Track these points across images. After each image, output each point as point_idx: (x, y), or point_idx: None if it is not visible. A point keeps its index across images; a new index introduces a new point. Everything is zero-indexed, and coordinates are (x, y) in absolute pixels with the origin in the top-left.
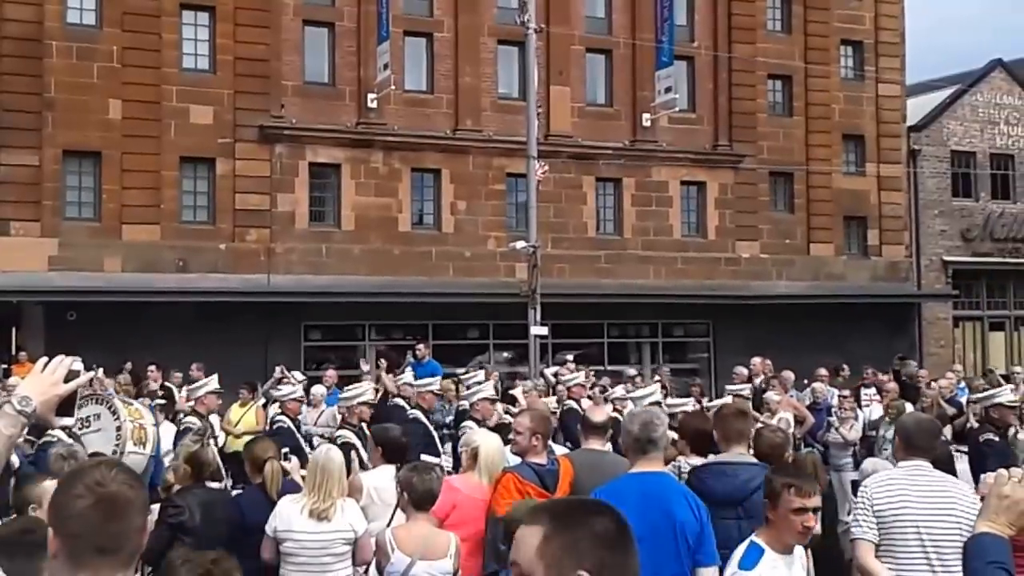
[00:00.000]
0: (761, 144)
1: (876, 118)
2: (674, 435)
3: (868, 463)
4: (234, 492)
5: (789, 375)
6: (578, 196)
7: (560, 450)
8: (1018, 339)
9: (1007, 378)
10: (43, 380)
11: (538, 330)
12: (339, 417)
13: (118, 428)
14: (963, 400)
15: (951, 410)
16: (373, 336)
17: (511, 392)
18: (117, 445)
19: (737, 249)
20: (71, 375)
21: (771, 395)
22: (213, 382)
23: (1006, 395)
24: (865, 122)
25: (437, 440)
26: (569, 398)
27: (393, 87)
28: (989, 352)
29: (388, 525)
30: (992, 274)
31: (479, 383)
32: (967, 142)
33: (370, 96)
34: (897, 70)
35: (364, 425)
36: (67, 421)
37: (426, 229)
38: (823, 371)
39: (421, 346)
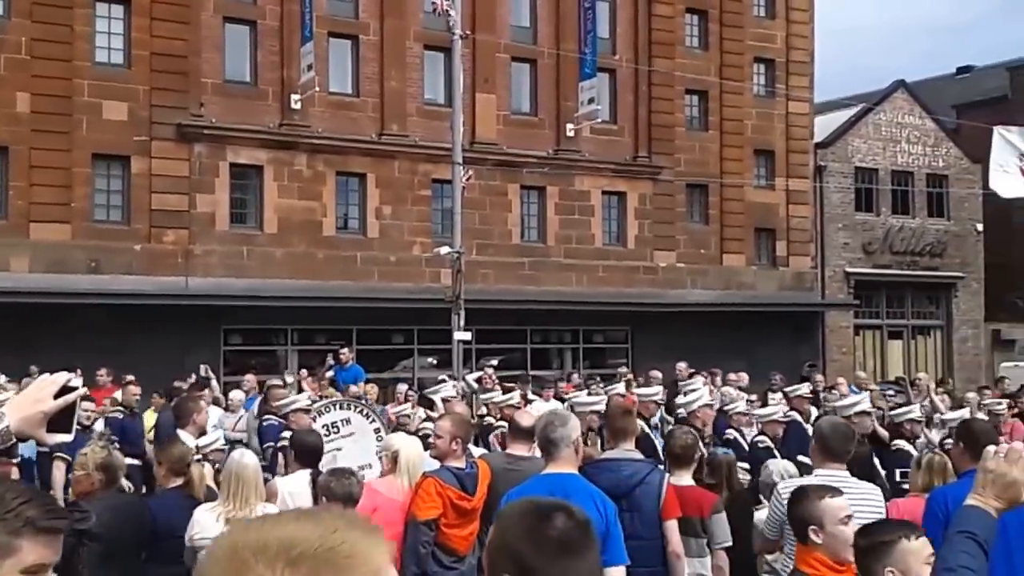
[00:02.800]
0: (678, 156)
1: (786, 134)
2: None
3: (773, 464)
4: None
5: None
6: (503, 203)
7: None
8: (915, 347)
9: (913, 383)
10: (27, 396)
11: (462, 335)
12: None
13: (376, 431)
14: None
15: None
16: (295, 341)
17: (429, 397)
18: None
19: (655, 258)
20: (64, 391)
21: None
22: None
23: (915, 412)
24: (775, 138)
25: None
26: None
27: (317, 89)
28: (888, 360)
29: None
30: (891, 285)
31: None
32: (870, 159)
33: (294, 97)
34: (806, 88)
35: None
36: (63, 438)
37: (351, 233)
38: (733, 376)
39: (345, 350)
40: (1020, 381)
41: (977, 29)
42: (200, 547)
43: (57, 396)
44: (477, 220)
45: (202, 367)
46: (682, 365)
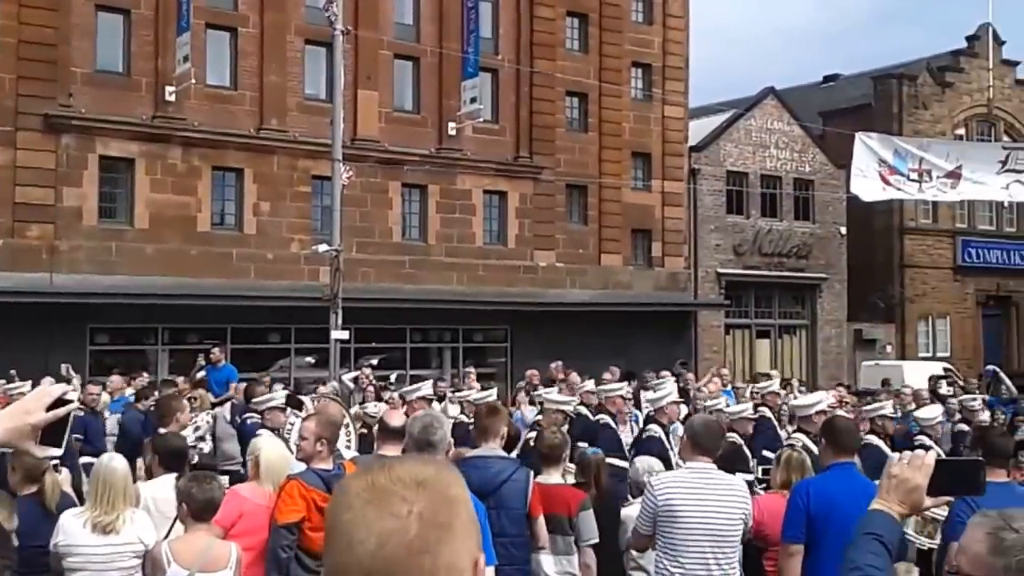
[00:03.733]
0: (559, 157)
1: (662, 138)
2: None
3: (640, 461)
4: None
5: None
6: (384, 201)
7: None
8: (781, 346)
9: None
10: (19, 406)
11: (339, 334)
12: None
13: (346, 426)
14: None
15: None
16: (166, 340)
17: (299, 398)
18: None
19: (535, 258)
20: (58, 403)
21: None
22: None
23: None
24: (652, 140)
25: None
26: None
27: (194, 81)
28: (756, 357)
29: (165, 537)
30: (760, 286)
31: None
32: (741, 163)
33: (168, 89)
34: (681, 93)
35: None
36: (52, 452)
37: (227, 230)
38: (608, 374)
39: (216, 350)
40: (879, 379)
41: (843, 40)
42: (65, 554)
43: (51, 408)
44: (358, 218)
45: (63, 367)
46: (557, 364)
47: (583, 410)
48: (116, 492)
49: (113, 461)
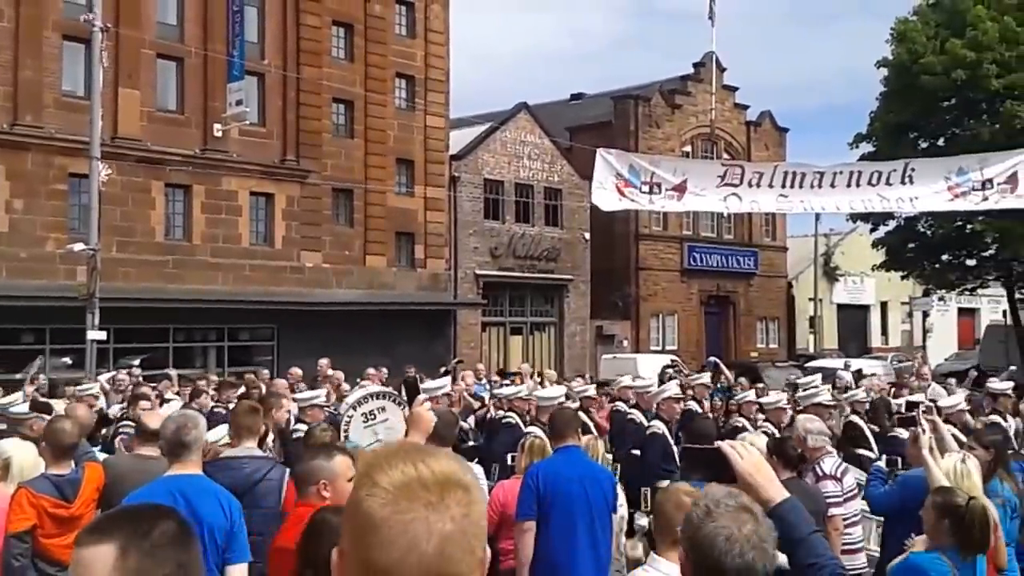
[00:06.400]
0: (325, 162)
1: (424, 146)
2: None
3: None
4: None
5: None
6: (146, 200)
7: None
8: (533, 342)
9: (518, 374)
10: None
11: (96, 335)
12: None
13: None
14: (484, 395)
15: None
16: None
17: (47, 402)
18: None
19: (302, 258)
20: None
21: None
22: None
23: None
24: (415, 148)
25: None
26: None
27: None
28: (509, 353)
29: None
30: (514, 286)
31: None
32: (497, 172)
33: None
34: (442, 104)
35: None
36: None
37: None
38: (371, 370)
39: None
40: (616, 371)
41: (589, 62)
42: None
43: None
44: (118, 217)
45: None
46: (323, 361)
47: (637, 415)
48: None
49: None
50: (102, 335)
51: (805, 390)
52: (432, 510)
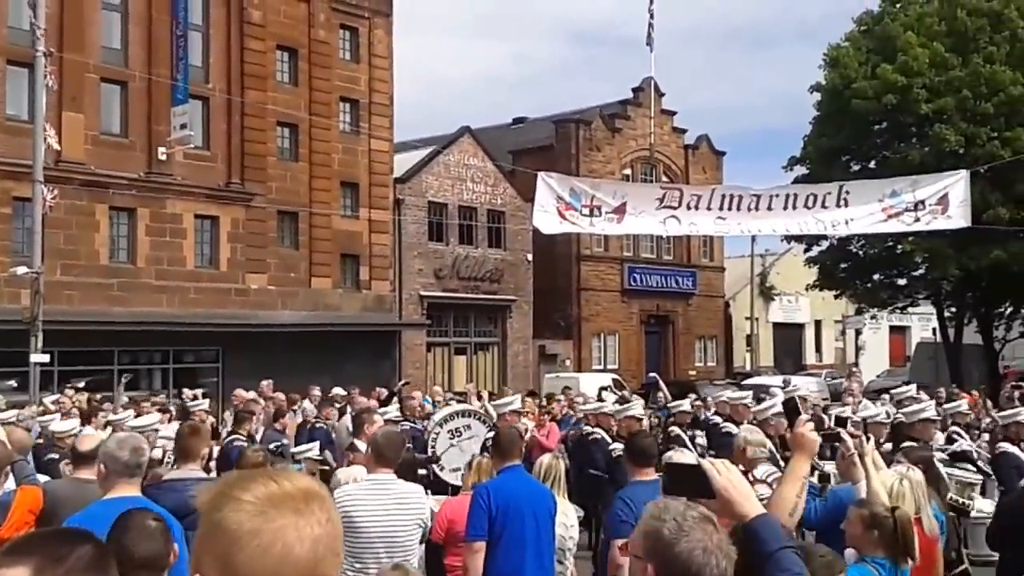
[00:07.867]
0: (271, 185)
1: (369, 169)
2: None
3: (339, 473)
4: None
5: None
6: (91, 224)
7: None
8: (477, 362)
9: (463, 394)
10: None
11: (39, 358)
12: None
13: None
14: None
15: None
16: None
17: None
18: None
19: (247, 280)
20: None
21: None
22: None
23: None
24: (360, 171)
25: None
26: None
27: None
28: (454, 372)
29: None
30: (458, 307)
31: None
32: (441, 195)
33: None
34: (387, 128)
35: None
36: None
37: None
38: (316, 391)
39: None
40: (559, 388)
41: (531, 86)
42: None
43: None
44: (63, 240)
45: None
46: (265, 383)
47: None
48: None
49: None
50: (45, 358)
51: (910, 406)
52: (300, 515)
